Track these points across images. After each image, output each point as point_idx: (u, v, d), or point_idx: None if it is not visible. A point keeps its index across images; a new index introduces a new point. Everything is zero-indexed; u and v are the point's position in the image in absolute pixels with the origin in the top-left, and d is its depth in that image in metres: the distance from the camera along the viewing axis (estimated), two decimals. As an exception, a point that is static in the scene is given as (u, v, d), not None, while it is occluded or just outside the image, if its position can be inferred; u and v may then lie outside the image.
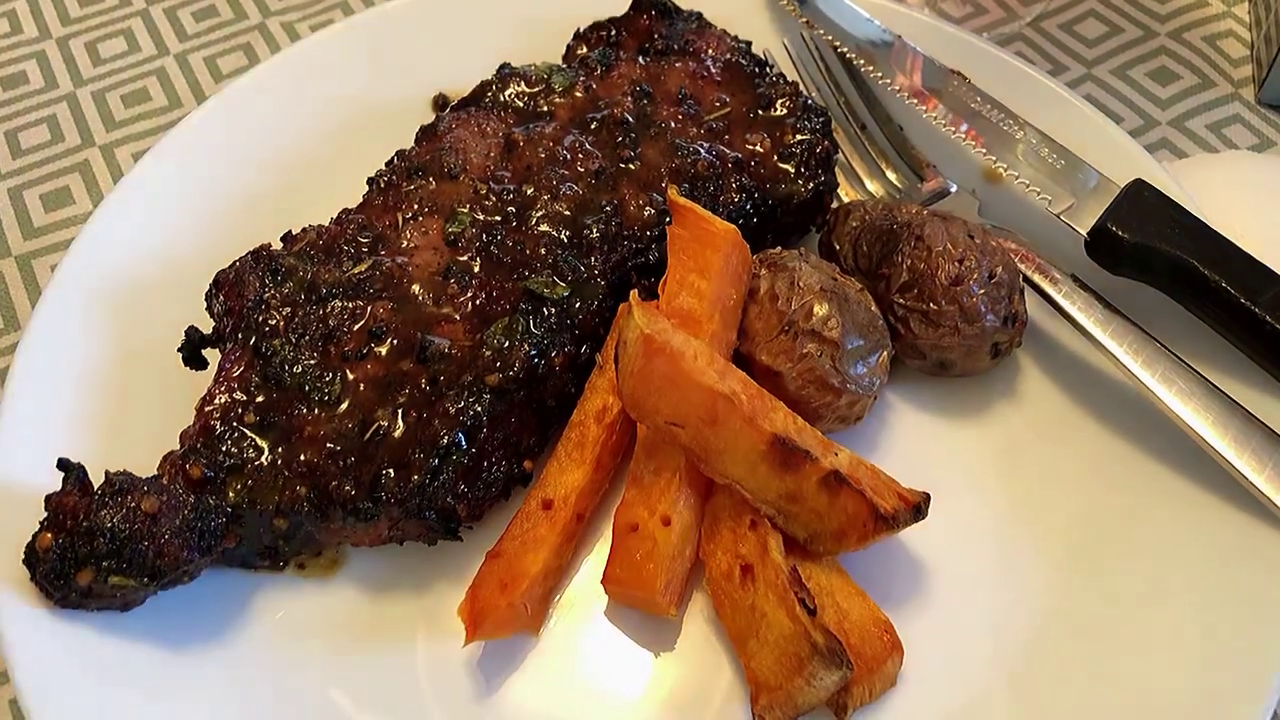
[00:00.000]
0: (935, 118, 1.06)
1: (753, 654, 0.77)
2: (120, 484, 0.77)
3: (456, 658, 0.82)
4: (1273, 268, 0.90)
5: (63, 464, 0.78)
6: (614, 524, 0.82)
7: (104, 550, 0.75)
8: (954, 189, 1.07)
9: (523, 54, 1.12)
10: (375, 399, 0.84)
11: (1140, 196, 0.95)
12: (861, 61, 1.12)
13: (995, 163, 1.02)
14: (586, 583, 0.85)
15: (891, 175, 1.10)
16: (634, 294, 0.79)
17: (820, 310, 0.88)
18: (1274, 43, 1.21)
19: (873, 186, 1.10)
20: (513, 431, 0.86)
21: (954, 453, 0.93)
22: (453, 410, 0.83)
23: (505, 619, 0.79)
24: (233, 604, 0.84)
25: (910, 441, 0.94)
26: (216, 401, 0.84)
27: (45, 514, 0.77)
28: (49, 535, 0.76)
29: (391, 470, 0.81)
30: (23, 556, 0.77)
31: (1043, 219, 1.01)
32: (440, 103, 1.16)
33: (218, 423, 0.83)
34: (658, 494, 0.81)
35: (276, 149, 1.08)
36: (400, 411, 0.83)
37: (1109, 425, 0.93)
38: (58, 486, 0.78)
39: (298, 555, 0.86)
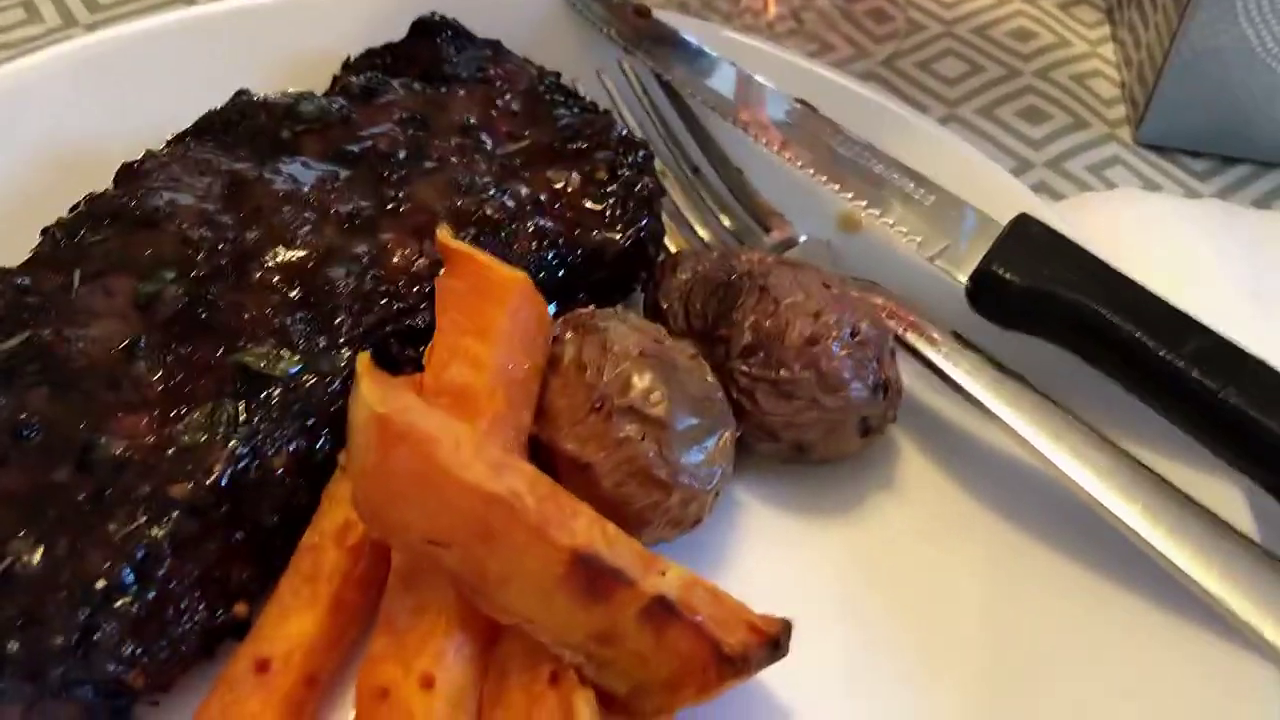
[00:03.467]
0: (784, 155, 0.88)
1: None
2: None
3: None
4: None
5: None
6: (357, 688, 0.58)
7: None
8: (804, 239, 0.88)
9: (292, 79, 0.91)
10: (12, 523, 0.59)
11: (1028, 234, 0.78)
12: (692, 93, 0.93)
13: (853, 199, 0.84)
14: (327, 774, 0.61)
15: (729, 224, 0.91)
16: (364, 357, 0.57)
17: (640, 382, 0.67)
18: (1148, 81, 1.08)
19: (708, 238, 0.90)
20: (214, 564, 0.61)
21: (820, 562, 0.72)
22: (119, 536, 0.58)
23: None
24: None
25: (763, 550, 0.72)
26: None
27: None
28: None
29: (21, 630, 0.55)
30: None
31: (913, 270, 0.83)
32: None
33: None
34: (415, 643, 0.58)
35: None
36: (44, 541, 0.58)
37: (1010, 516, 0.74)
38: None
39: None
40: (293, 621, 0.60)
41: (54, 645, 0.55)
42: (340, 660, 0.63)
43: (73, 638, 0.56)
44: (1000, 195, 0.86)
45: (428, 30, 0.94)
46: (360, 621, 0.63)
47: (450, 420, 0.56)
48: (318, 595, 0.61)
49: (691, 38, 0.97)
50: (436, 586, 0.59)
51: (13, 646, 0.55)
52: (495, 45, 0.95)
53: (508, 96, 0.89)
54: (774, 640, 0.59)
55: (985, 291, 0.77)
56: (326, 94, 0.91)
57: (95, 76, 0.94)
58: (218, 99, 0.87)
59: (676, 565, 0.60)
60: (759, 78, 0.93)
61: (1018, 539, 0.73)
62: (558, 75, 0.93)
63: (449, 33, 0.94)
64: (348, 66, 0.94)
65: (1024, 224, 0.79)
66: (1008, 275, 0.76)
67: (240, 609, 0.63)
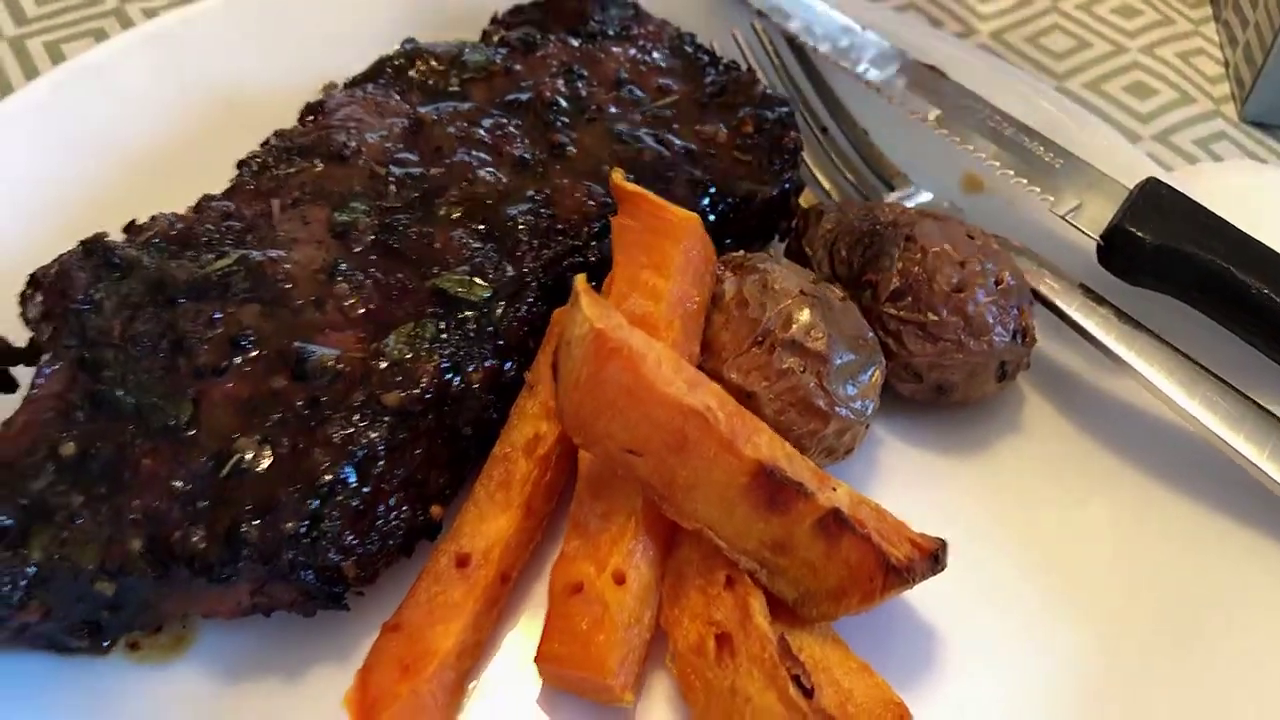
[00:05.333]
0: (912, 114, 0.92)
1: (735, 751, 0.59)
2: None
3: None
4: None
5: None
6: (550, 584, 0.63)
7: None
8: (929, 198, 0.93)
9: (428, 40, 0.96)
10: (236, 425, 0.64)
11: (1158, 196, 0.82)
12: (824, 52, 0.98)
13: (986, 159, 0.88)
14: (514, 662, 0.66)
15: (855, 181, 0.96)
16: (580, 279, 0.62)
17: (802, 317, 0.72)
18: (1256, 61, 1.11)
19: (837, 196, 0.95)
20: (417, 468, 0.67)
21: (958, 495, 0.77)
22: (338, 438, 0.64)
23: (407, 710, 0.59)
24: (37, 699, 0.62)
25: (902, 482, 0.77)
26: (21, 427, 0.63)
27: None
28: None
29: (255, 516, 0.61)
30: None
31: (1036, 230, 0.88)
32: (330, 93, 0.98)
33: (23, 455, 0.62)
34: (607, 544, 0.63)
35: (121, 138, 0.89)
36: (269, 441, 0.64)
37: (1138, 461, 0.79)
38: None
39: (128, 631, 0.65)
40: (489, 523, 0.66)
41: (286, 531, 0.61)
42: (530, 560, 0.68)
43: (302, 526, 0.61)
44: (1116, 160, 0.90)
45: (577, -11, 0.99)
46: (544, 525, 0.69)
47: (653, 340, 0.62)
48: (510, 500, 0.66)
49: (818, 3, 1.02)
50: (624, 494, 0.64)
51: (250, 531, 0.61)
52: (635, 5, 1.00)
53: (654, 53, 0.93)
54: (934, 555, 0.64)
55: (1117, 249, 0.81)
56: (483, 40, 0.97)
57: (255, 23, 1.00)
58: (370, 49, 0.92)
59: (844, 483, 0.65)
60: (887, 42, 0.98)
61: (1145, 482, 0.78)
62: (693, 36, 0.98)
63: (596, -6, 0.99)
64: (496, 21, 1.00)
65: (1153, 187, 0.83)
66: (1140, 234, 0.80)
67: (436, 511, 0.68)
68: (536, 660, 0.62)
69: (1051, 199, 0.85)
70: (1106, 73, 1.16)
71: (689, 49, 0.95)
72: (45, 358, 0.67)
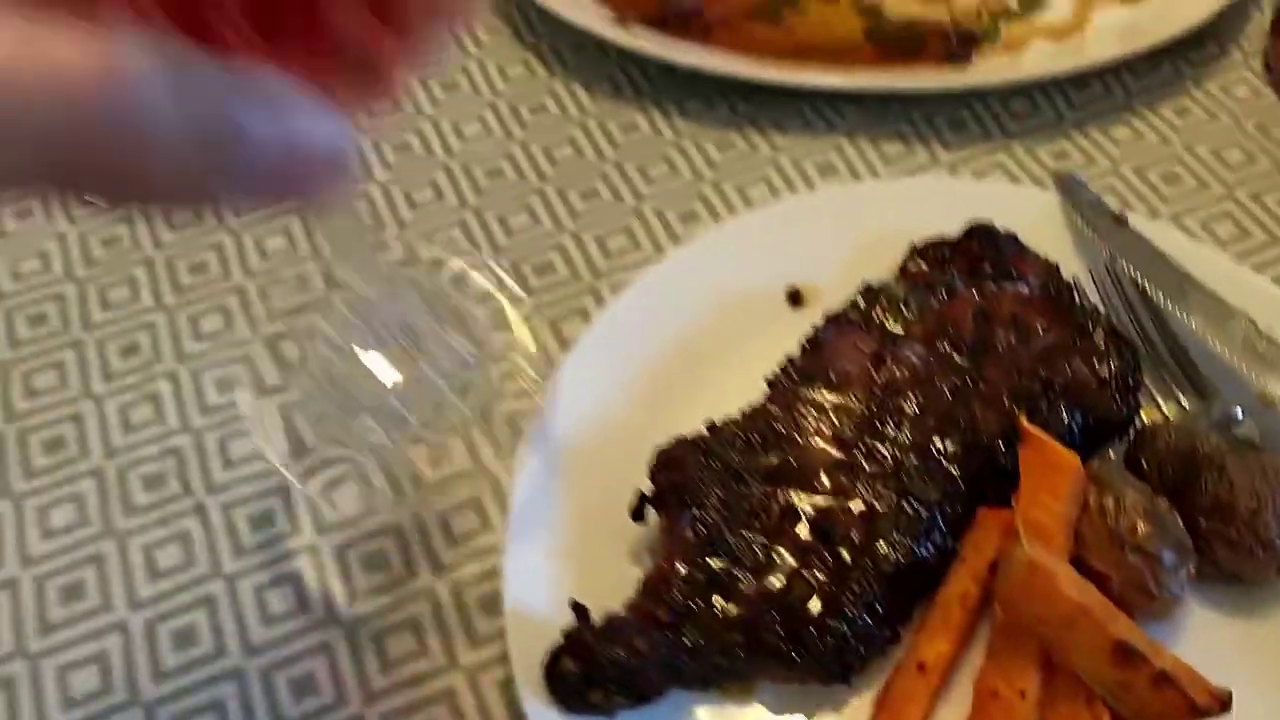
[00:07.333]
0: (1226, 350, 1.28)
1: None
2: (617, 625, 1.04)
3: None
4: None
5: (574, 605, 1.05)
6: (975, 688, 1.05)
7: (612, 677, 1.02)
8: (1239, 414, 1.28)
9: (862, 257, 1.38)
10: (791, 570, 1.09)
11: None
12: (1160, 295, 1.34)
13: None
14: (946, 731, 1.09)
15: (1183, 401, 1.31)
16: (1023, 530, 1.03)
17: (1144, 529, 1.10)
18: None
19: (1166, 406, 1.31)
20: (894, 605, 1.10)
21: (1243, 653, 1.14)
22: (858, 589, 1.08)
23: (895, 758, 1.03)
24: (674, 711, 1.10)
25: (1202, 638, 1.15)
26: (673, 560, 1.10)
27: (562, 643, 1.04)
28: (569, 662, 1.02)
29: (811, 629, 1.06)
30: (544, 674, 1.04)
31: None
32: (793, 295, 1.41)
33: (674, 577, 1.09)
34: (1017, 671, 1.05)
35: (677, 333, 1.35)
36: (814, 583, 1.08)
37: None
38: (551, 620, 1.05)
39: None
40: (937, 643, 1.08)
41: (828, 643, 1.05)
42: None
43: (838, 639, 1.06)
44: None
45: (977, 233, 1.38)
46: (969, 643, 1.11)
47: (1060, 561, 1.02)
48: (950, 632, 1.09)
49: (1159, 246, 1.37)
50: (1029, 640, 1.05)
51: (809, 636, 1.05)
52: (1016, 241, 1.39)
53: (1032, 294, 1.32)
54: (1224, 701, 1.02)
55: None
56: (902, 271, 1.38)
57: (744, 242, 1.44)
58: (824, 261, 1.35)
59: (1168, 651, 1.04)
60: (1211, 287, 1.32)
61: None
62: (1058, 267, 1.36)
63: (991, 234, 1.38)
64: (917, 252, 1.40)
65: None
66: (1398, 480, 1.14)
67: (899, 631, 1.11)
68: (968, 737, 1.05)
69: (1332, 435, 1.19)
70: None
71: (1059, 288, 1.32)
72: (674, 512, 1.14)
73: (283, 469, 1.25)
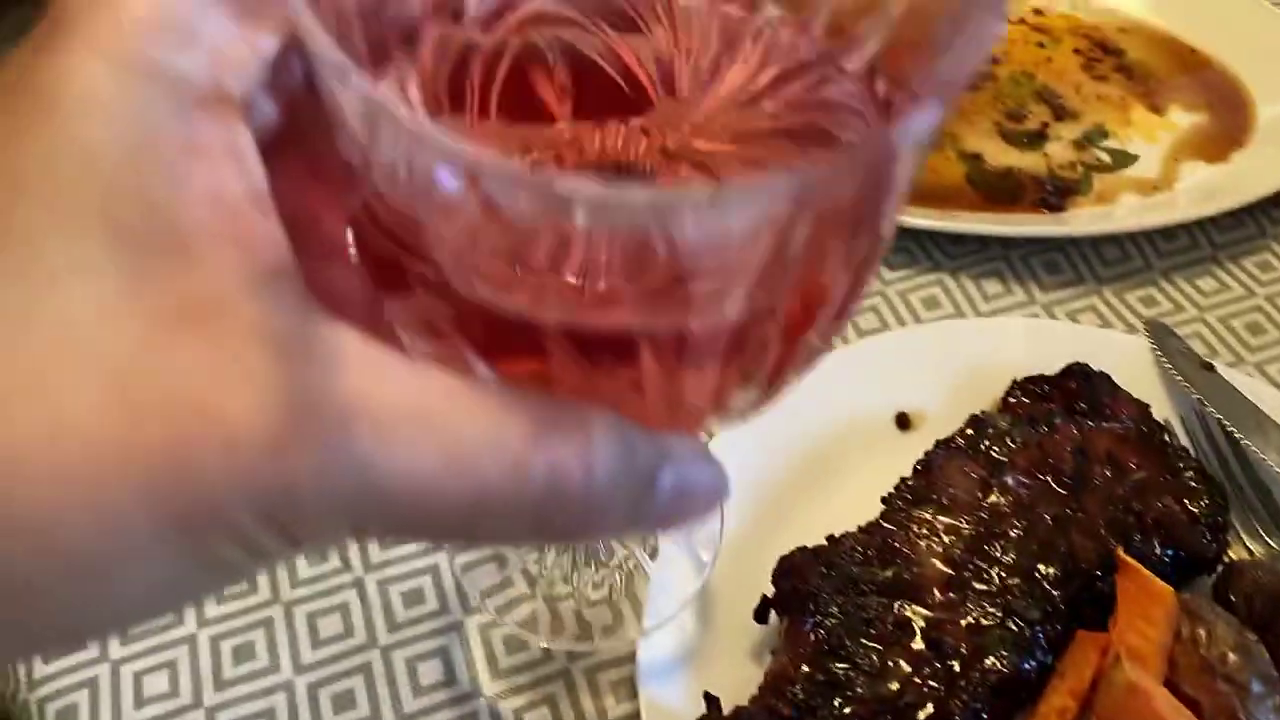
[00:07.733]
0: (1302, 492, 1.37)
1: None
2: (746, 716, 1.15)
3: None
4: None
5: (707, 697, 1.16)
6: (1069, 795, 1.15)
7: (745, 765, 1.12)
8: (1319, 554, 1.37)
9: (964, 387, 1.50)
10: (905, 677, 1.19)
11: None
12: (1243, 439, 1.44)
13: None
14: (1041, 830, 1.18)
15: (1263, 531, 1.41)
16: (1122, 653, 1.13)
17: (1234, 660, 1.19)
18: None
19: (1252, 544, 1.41)
20: (997, 716, 1.20)
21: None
22: (965, 698, 1.17)
23: None
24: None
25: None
26: (797, 660, 1.21)
27: (699, 733, 1.15)
28: (706, 752, 1.13)
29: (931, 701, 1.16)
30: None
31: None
32: (901, 420, 1.53)
33: (798, 676, 1.20)
34: (1108, 775, 1.14)
35: (796, 451, 1.47)
36: (925, 690, 1.18)
37: None
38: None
39: None
40: (1037, 752, 1.18)
41: (938, 746, 1.15)
42: (1054, 777, 1.20)
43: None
44: None
45: (1074, 372, 1.50)
46: (1066, 761, 1.20)
47: (1158, 685, 1.12)
48: (1050, 744, 1.18)
49: (1244, 392, 1.48)
50: (1124, 757, 1.15)
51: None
52: (1111, 381, 1.50)
53: (1125, 433, 1.43)
54: (1307, 826, 1.10)
55: None
56: (1003, 403, 1.50)
57: (854, 370, 1.57)
58: (928, 388, 1.47)
59: (1256, 775, 1.13)
60: (1294, 435, 1.43)
61: None
62: (1148, 407, 1.47)
63: (1087, 373, 1.50)
64: (1018, 385, 1.52)
65: None
66: None
67: (1003, 739, 1.21)
68: (1064, 841, 1.14)
69: (1407, 587, 1.28)
70: None
71: (1150, 429, 1.43)
72: (797, 617, 1.25)
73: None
